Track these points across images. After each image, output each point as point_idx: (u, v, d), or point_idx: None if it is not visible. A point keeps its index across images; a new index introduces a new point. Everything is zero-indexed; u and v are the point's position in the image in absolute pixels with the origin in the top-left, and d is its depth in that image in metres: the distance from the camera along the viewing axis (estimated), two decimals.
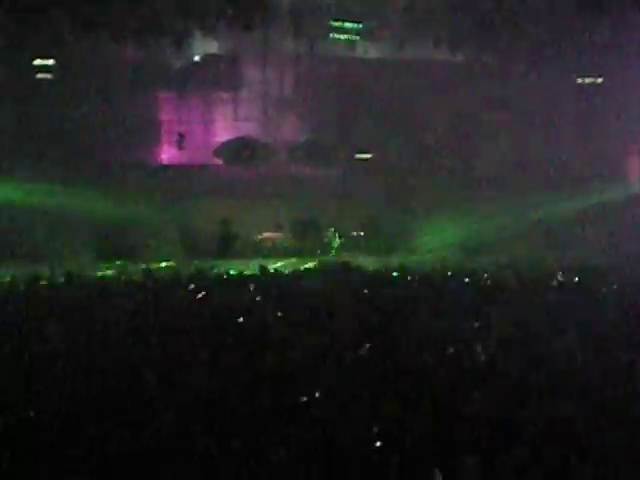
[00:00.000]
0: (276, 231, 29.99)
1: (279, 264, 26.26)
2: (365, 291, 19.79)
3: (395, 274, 22.90)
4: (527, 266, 24.04)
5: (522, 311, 16.28)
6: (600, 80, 30.77)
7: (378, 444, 9.37)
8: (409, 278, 22.26)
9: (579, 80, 31.14)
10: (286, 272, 23.87)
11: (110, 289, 20.29)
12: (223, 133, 31.18)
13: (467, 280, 21.16)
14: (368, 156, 31.13)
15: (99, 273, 23.57)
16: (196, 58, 30.16)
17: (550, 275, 21.75)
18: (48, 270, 22.15)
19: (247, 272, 23.51)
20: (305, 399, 10.80)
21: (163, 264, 25.80)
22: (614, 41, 27.80)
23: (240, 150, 30.86)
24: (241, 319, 16.02)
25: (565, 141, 30.61)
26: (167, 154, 30.82)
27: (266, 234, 29.90)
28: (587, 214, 29.43)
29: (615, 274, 21.51)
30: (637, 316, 15.26)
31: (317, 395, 10.95)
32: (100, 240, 28.08)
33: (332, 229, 30.23)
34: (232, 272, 23.82)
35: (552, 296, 18.16)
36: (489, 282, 21.06)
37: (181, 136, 30.03)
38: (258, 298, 18.62)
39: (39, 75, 28.75)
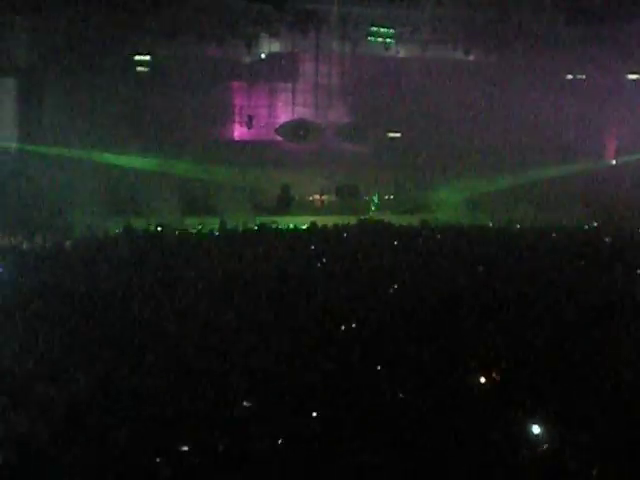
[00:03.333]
0: (324, 194, 31.63)
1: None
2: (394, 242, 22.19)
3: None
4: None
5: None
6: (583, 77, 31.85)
7: None
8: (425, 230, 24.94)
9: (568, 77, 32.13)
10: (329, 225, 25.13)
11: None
12: (283, 115, 32.82)
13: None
14: (398, 135, 32.54)
15: (199, 226, 25.00)
16: (263, 56, 31.38)
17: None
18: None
19: (299, 225, 26.05)
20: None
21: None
22: (597, 46, 28.86)
23: (297, 129, 32.60)
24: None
25: (554, 125, 31.28)
26: (239, 132, 32.35)
27: (316, 196, 31.59)
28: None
29: None
30: None
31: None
32: (187, 200, 28.86)
33: (369, 193, 31.76)
34: (289, 225, 26.10)
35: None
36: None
37: (250, 118, 31.68)
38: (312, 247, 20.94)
39: (140, 68, 29.69)
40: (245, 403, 9.07)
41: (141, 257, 18.58)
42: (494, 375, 9.93)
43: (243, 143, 32.14)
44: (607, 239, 22.97)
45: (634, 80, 31.39)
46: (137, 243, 21.14)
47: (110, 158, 29.03)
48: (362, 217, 28.50)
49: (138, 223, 24.30)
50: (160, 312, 13.13)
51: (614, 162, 33.22)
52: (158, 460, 7.62)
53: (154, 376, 9.88)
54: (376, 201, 31.82)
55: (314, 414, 8.74)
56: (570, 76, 32.39)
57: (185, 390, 9.37)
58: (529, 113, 30.76)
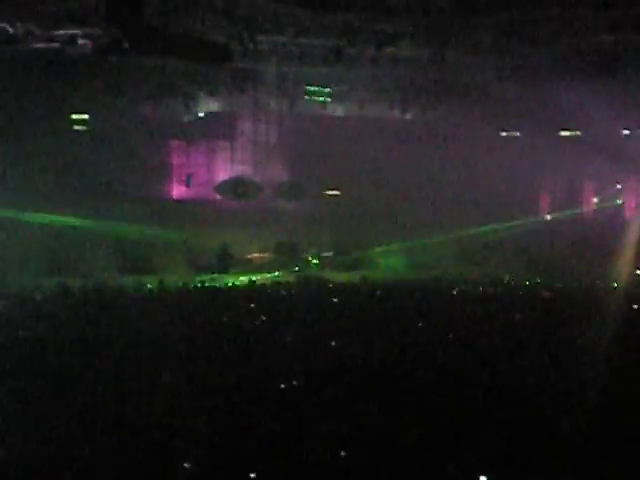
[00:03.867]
0: (263, 252, 31.55)
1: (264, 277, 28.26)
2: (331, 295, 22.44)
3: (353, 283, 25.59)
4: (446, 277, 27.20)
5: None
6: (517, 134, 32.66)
7: None
8: (364, 286, 24.99)
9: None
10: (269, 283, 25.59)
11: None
12: (222, 174, 32.89)
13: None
14: (337, 192, 33.00)
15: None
16: (201, 114, 31.55)
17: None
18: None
19: (238, 283, 26.19)
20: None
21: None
22: (532, 103, 29.47)
23: (235, 187, 32.82)
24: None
25: (489, 181, 31.54)
26: (178, 190, 32.39)
27: (255, 254, 31.48)
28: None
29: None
30: None
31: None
32: (123, 257, 29.10)
33: (308, 251, 31.86)
34: (227, 283, 26.20)
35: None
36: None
37: (189, 176, 32.08)
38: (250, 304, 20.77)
39: (77, 127, 29.86)
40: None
41: (76, 315, 18.43)
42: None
43: (182, 201, 32.15)
44: (546, 294, 23.33)
45: (567, 136, 31.95)
46: (72, 302, 20.91)
47: (46, 218, 28.56)
48: (300, 274, 28.60)
49: (75, 282, 23.92)
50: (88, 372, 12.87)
51: (548, 218, 33.75)
52: None
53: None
54: (315, 258, 31.91)
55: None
56: (504, 133, 32.96)
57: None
58: (466, 169, 31.36)
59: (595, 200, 34.60)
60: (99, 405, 11.05)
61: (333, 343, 15.69)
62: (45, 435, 9.71)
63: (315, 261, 31.88)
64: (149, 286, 24.63)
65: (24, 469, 8.72)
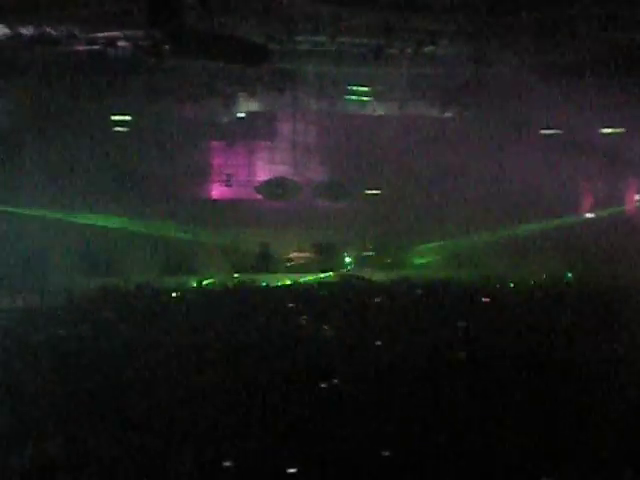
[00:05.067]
0: (303, 251, 31.69)
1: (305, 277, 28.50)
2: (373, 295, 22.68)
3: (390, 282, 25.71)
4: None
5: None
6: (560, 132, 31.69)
7: None
8: (403, 286, 25.18)
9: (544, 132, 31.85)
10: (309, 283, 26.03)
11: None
12: (262, 174, 32.82)
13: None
14: (377, 192, 32.54)
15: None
16: (241, 115, 31.59)
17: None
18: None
19: (279, 283, 26.49)
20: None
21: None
22: (573, 100, 28.25)
23: (276, 187, 32.74)
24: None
25: (533, 179, 30.94)
26: (217, 191, 32.50)
27: (295, 254, 31.62)
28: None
29: None
30: None
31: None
32: (164, 258, 29.31)
33: (349, 250, 31.92)
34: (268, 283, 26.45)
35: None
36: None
37: (229, 176, 32.11)
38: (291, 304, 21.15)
39: (118, 129, 29.80)
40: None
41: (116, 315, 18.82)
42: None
43: (222, 202, 32.23)
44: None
45: (608, 134, 31.63)
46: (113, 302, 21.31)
47: (88, 218, 28.94)
48: (341, 273, 28.73)
49: (118, 283, 24.33)
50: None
51: (590, 215, 33.34)
52: None
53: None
54: (355, 258, 31.92)
55: None
56: (547, 131, 32.29)
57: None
58: (507, 168, 30.98)
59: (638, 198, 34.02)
60: (142, 403, 11.16)
61: (378, 342, 15.71)
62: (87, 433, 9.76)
63: (355, 261, 31.84)
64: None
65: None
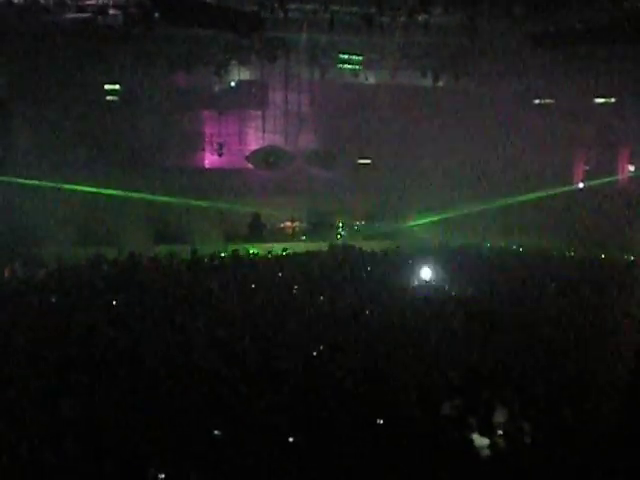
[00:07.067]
0: (295, 221, 31.79)
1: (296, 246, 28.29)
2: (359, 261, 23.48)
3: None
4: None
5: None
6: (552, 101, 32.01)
7: None
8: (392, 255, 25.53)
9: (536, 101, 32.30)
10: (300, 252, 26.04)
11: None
12: (253, 143, 32.89)
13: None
14: (367, 161, 32.93)
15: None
16: (232, 84, 31.60)
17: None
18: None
19: (270, 252, 26.35)
20: None
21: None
22: (566, 69, 29.07)
23: (267, 156, 32.82)
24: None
25: (523, 148, 31.30)
26: (209, 160, 32.41)
27: (287, 223, 31.73)
28: None
29: None
30: None
31: None
32: (156, 227, 28.60)
33: (340, 220, 31.70)
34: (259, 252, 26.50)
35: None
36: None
37: (220, 145, 31.83)
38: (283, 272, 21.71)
39: (109, 97, 29.85)
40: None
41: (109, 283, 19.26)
42: None
43: (213, 170, 32.21)
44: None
45: (602, 103, 31.64)
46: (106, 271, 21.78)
47: (80, 188, 28.35)
48: (332, 243, 28.67)
49: (109, 252, 24.43)
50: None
51: (582, 186, 33.33)
52: None
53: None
54: (345, 228, 31.89)
55: None
56: (538, 100, 32.52)
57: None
58: (499, 138, 30.93)
59: (631, 168, 33.90)
60: (132, 369, 11.49)
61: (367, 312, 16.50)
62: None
63: (345, 230, 31.80)
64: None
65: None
